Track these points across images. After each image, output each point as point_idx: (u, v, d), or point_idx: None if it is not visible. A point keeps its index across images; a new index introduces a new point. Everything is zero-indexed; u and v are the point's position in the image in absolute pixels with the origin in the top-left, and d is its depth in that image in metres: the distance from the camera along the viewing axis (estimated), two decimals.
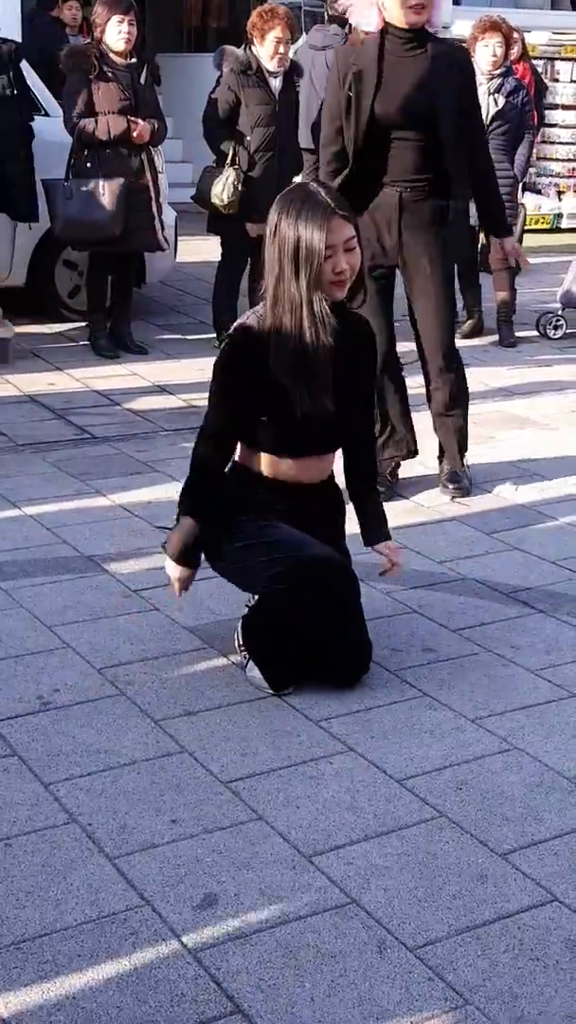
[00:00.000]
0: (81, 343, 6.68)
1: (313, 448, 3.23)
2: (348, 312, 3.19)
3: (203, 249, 7.76)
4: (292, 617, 3.11)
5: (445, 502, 4.59)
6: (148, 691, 3.13)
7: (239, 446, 3.25)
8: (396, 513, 4.42)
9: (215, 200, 6.36)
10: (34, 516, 4.29)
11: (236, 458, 3.28)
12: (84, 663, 3.26)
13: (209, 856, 2.48)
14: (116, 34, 6.07)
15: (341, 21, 8.31)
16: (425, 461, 4.89)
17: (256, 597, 3.23)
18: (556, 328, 7.26)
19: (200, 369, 5.84)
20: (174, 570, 3.26)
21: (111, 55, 6.11)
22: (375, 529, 3.42)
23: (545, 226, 10.99)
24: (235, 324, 3.26)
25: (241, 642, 3.24)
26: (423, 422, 4.78)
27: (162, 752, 2.85)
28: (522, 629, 3.57)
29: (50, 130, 6.60)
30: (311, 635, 3.15)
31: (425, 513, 4.49)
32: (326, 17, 8.78)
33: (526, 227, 9.15)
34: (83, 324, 6.75)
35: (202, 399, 5.58)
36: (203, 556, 3.29)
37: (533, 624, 3.60)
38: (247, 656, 3.21)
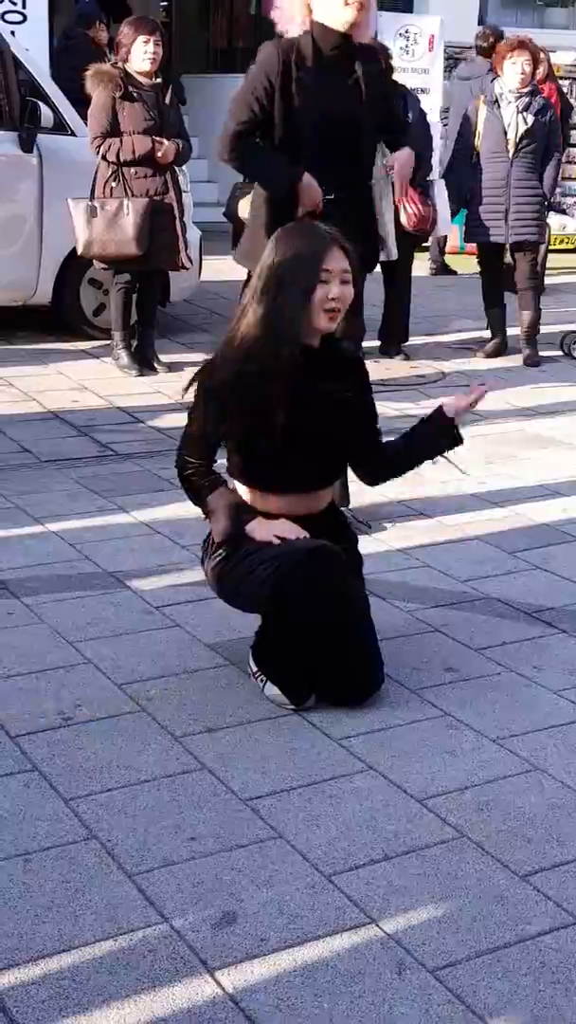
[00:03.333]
0: (105, 360, 6.71)
1: (298, 484, 3.20)
2: (334, 342, 3.18)
3: (228, 268, 7.76)
4: (298, 633, 3.09)
5: (467, 521, 4.58)
6: (168, 707, 3.13)
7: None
8: (417, 532, 4.43)
9: (243, 216, 6.38)
10: (57, 532, 4.30)
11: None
12: (105, 679, 3.26)
13: (228, 874, 2.47)
14: (142, 55, 6.12)
15: (486, 54, 8.89)
16: (449, 481, 4.88)
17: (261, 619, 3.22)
18: None
19: None
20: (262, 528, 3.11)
21: (136, 75, 6.16)
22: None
23: (570, 247, 11.00)
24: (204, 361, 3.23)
25: (254, 669, 3.24)
26: None
27: (182, 769, 2.85)
28: (545, 649, 3.55)
29: (76, 149, 6.66)
30: (322, 642, 3.11)
31: (447, 532, 4.47)
32: (474, 50, 9.52)
33: (551, 247, 9.19)
34: (107, 342, 6.78)
35: None
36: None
37: (556, 644, 3.58)
38: (263, 680, 3.20)
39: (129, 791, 2.74)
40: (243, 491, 3.24)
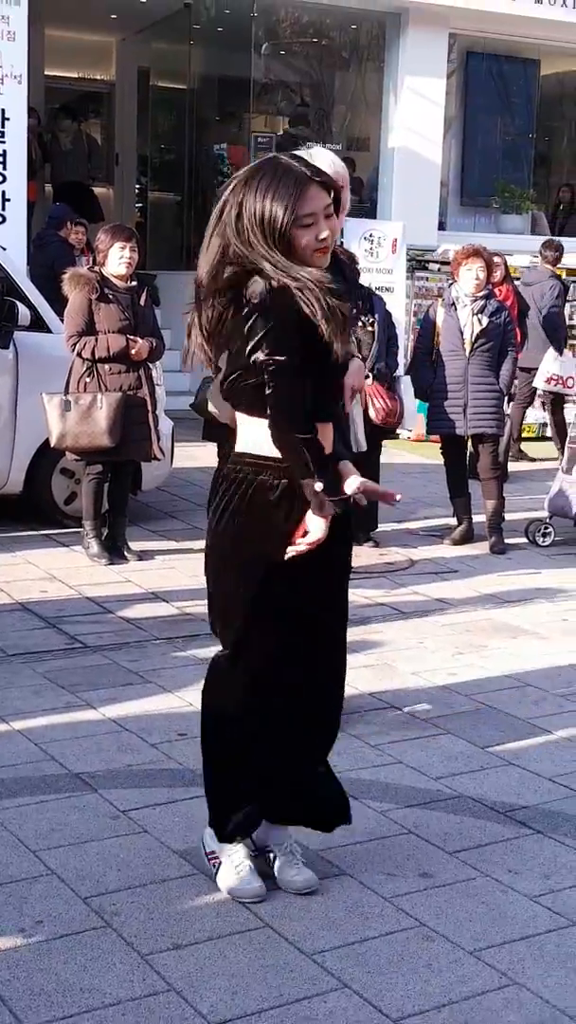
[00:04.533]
0: (75, 549, 6.74)
1: (329, 410, 3.11)
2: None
3: (199, 455, 7.90)
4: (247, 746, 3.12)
5: (439, 715, 4.54)
6: (135, 922, 3.02)
7: (244, 433, 3.09)
8: (388, 725, 4.39)
9: (212, 410, 6.52)
10: (22, 731, 4.23)
11: (244, 449, 3.09)
12: (69, 891, 3.15)
13: None
14: (117, 259, 6.36)
15: (551, 263, 9.72)
16: (420, 672, 4.87)
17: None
18: (545, 536, 7.35)
19: (193, 575, 5.86)
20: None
21: (112, 278, 6.39)
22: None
23: (531, 435, 11.28)
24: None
25: (208, 850, 3.20)
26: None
27: (148, 991, 2.73)
28: (520, 851, 3.47)
29: (52, 345, 6.84)
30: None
31: (418, 726, 4.43)
32: (539, 258, 10.29)
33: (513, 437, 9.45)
34: (78, 530, 6.82)
35: (195, 606, 5.64)
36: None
37: (530, 846, 3.51)
38: (216, 864, 3.17)
39: (92, 1017, 2.62)
40: (261, 426, 3.03)
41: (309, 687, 3.19)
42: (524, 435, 10.92)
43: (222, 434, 7.25)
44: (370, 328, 6.99)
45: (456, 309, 7.18)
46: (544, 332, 9.71)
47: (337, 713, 3.30)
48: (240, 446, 3.12)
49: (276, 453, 3.01)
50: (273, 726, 3.16)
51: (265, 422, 3.00)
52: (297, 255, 2.94)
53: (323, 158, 3.56)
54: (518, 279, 9.90)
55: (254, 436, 3.06)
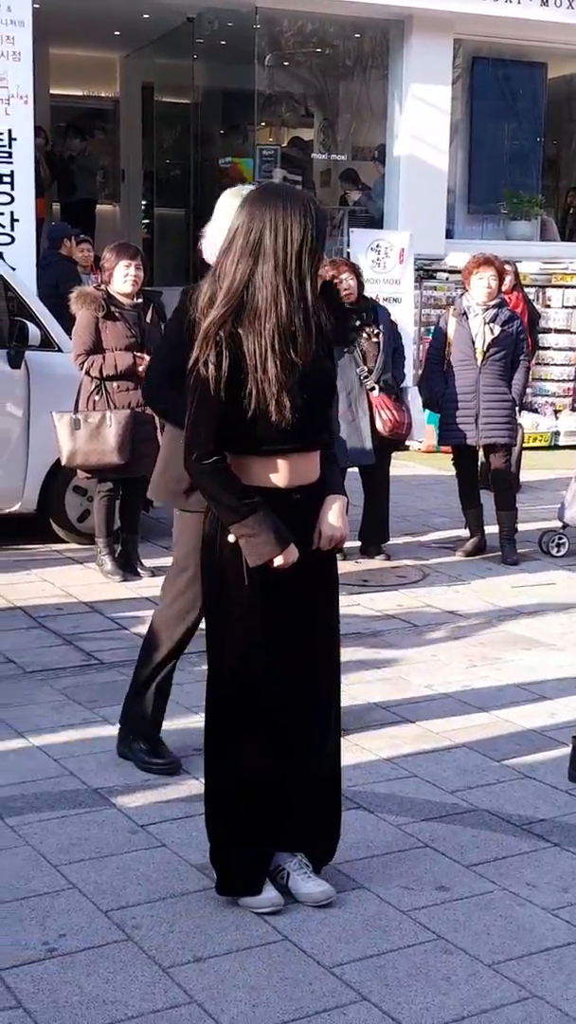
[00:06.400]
0: (90, 566, 6.78)
1: (306, 439, 3.10)
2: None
3: None
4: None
5: (453, 728, 4.57)
6: (156, 935, 3.05)
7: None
8: (404, 740, 4.41)
9: None
10: (41, 747, 4.27)
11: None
12: (91, 905, 3.19)
13: None
14: (123, 277, 6.41)
15: None
16: (433, 685, 4.90)
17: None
18: (559, 546, 7.35)
19: None
20: (289, 555, 3.06)
21: (118, 296, 6.45)
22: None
23: (543, 444, 11.31)
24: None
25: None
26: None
27: (170, 1003, 2.76)
28: (537, 864, 3.50)
29: (61, 364, 6.89)
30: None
31: (433, 739, 4.46)
32: None
33: (525, 445, 9.45)
34: (92, 547, 6.86)
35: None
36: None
37: (548, 859, 3.54)
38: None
39: None
40: (251, 469, 3.09)
41: (300, 707, 3.21)
42: (537, 444, 10.95)
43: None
44: (375, 339, 7.01)
45: (468, 318, 7.19)
46: None
47: (329, 734, 3.31)
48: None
49: (263, 483, 3.07)
50: (276, 753, 3.18)
51: (246, 458, 3.07)
52: None
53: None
54: (528, 287, 9.90)
55: (240, 466, 3.10)
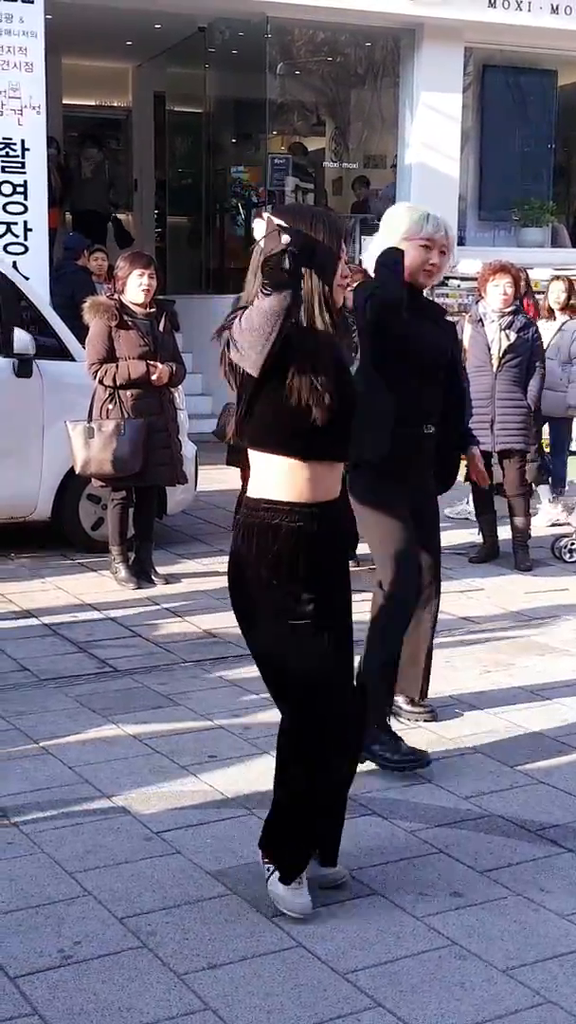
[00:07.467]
0: (104, 574, 6.80)
1: (335, 451, 3.19)
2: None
3: (223, 478, 7.98)
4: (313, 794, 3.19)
5: (467, 733, 4.57)
6: (171, 942, 3.06)
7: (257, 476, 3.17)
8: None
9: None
10: (56, 754, 4.28)
11: (258, 494, 3.16)
12: (106, 912, 3.20)
13: None
14: (136, 286, 6.44)
15: None
16: (447, 691, 4.90)
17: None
18: (572, 552, 7.35)
19: (220, 597, 5.91)
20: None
21: (131, 305, 6.47)
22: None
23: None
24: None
25: (264, 856, 3.27)
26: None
27: (185, 1010, 2.77)
28: (551, 870, 3.50)
29: (75, 373, 6.93)
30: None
31: (447, 744, 4.46)
32: None
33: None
34: (106, 555, 6.89)
35: (222, 627, 5.69)
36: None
37: (562, 864, 3.53)
38: (270, 868, 3.23)
39: None
40: (275, 467, 3.13)
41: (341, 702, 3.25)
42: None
43: (245, 459, 7.36)
44: None
45: (483, 325, 7.21)
46: None
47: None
48: (253, 491, 3.17)
49: (291, 497, 3.10)
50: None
51: (278, 459, 3.10)
52: None
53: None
54: (540, 293, 9.89)
55: (269, 479, 3.14)
